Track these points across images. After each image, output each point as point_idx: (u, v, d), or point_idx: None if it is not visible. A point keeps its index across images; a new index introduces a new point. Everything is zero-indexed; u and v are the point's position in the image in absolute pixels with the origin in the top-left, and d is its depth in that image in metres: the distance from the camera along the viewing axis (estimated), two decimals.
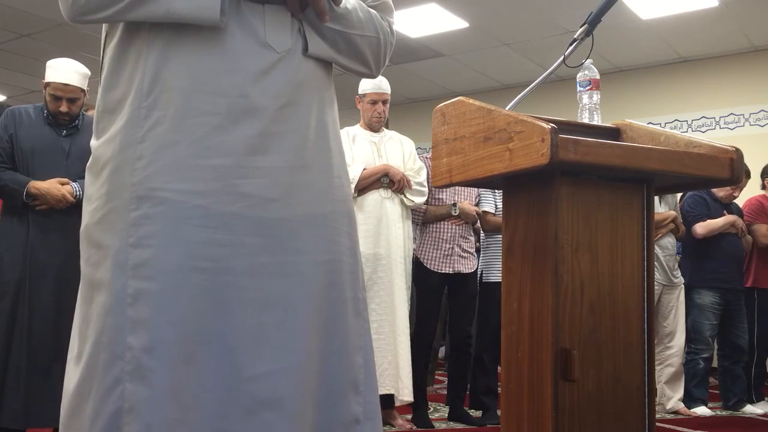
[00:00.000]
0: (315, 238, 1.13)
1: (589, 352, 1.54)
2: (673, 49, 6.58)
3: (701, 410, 4.15)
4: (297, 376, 1.07)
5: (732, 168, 1.60)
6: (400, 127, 4.61)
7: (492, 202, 3.76)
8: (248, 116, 1.07)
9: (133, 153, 1.05)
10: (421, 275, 3.64)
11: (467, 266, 3.66)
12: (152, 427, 0.98)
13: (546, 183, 1.54)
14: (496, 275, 3.70)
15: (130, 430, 0.98)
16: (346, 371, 1.16)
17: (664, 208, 4.10)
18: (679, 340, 4.13)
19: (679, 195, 4.38)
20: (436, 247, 3.63)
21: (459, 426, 3.61)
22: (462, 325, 3.73)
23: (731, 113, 6.64)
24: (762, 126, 6.51)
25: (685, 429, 3.67)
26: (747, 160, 1.86)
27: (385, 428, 3.32)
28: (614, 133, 1.84)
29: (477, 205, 3.75)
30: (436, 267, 3.61)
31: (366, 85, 3.51)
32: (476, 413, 3.77)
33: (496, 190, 3.65)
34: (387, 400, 3.28)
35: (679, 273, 4.22)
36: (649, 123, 5.43)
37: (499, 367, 2.45)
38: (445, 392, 3.96)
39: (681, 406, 4.13)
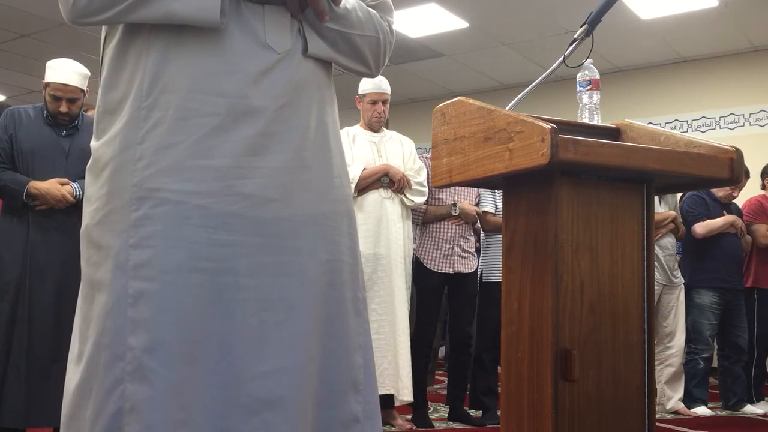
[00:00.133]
0: (315, 238, 1.13)
1: (589, 352, 1.54)
2: (673, 49, 6.58)
3: (701, 410, 4.15)
4: (297, 376, 1.08)
5: (732, 168, 1.60)
6: (400, 127, 4.60)
7: (492, 202, 3.76)
8: (248, 117, 1.07)
9: (134, 154, 1.05)
10: (421, 275, 3.64)
11: (467, 266, 3.66)
12: (153, 427, 0.98)
13: (546, 183, 1.54)
14: (496, 275, 3.70)
15: (131, 430, 0.98)
16: (346, 371, 1.16)
17: (664, 208, 4.10)
18: (679, 340, 4.13)
19: (678, 195, 4.38)
20: (436, 247, 3.63)
21: (459, 426, 3.61)
22: (462, 325, 3.73)
23: (731, 113, 6.64)
24: (762, 126, 6.51)
25: (685, 429, 3.67)
26: (747, 160, 1.86)
27: (385, 428, 3.32)
28: (614, 133, 1.84)
29: (477, 205, 3.75)
30: (436, 267, 3.61)
31: (366, 85, 3.50)
32: (476, 413, 3.77)
33: (496, 190, 3.65)
34: (387, 400, 3.27)
35: (679, 273, 4.22)
36: (649, 123, 5.43)
37: (499, 367, 2.45)
38: (445, 392, 3.96)
39: (681, 406, 4.13)
